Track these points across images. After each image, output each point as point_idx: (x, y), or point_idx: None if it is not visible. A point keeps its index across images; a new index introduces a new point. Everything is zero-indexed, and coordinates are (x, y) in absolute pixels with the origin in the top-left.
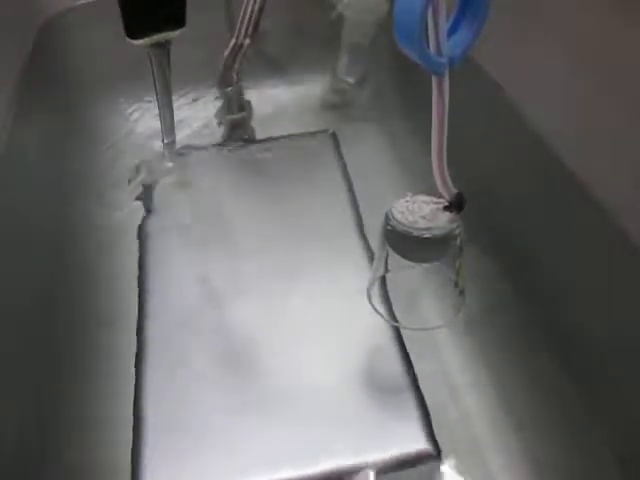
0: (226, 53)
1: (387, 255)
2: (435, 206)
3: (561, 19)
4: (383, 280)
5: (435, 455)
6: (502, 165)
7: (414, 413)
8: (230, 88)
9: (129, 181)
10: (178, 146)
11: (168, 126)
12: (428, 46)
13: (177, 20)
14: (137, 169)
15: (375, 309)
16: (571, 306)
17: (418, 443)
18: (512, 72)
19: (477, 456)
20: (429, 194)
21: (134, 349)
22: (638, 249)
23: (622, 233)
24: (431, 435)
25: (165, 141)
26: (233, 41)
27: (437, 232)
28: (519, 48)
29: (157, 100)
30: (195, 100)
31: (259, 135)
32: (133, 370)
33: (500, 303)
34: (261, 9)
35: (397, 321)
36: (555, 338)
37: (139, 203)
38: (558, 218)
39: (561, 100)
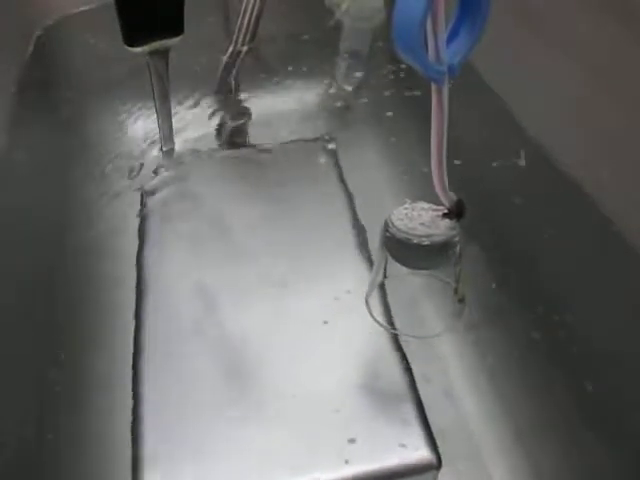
0: (224, 60)
1: (386, 262)
2: (434, 213)
3: (561, 26)
4: (382, 287)
5: (436, 463)
6: (501, 170)
7: (414, 421)
8: (228, 94)
9: (127, 184)
10: (177, 153)
11: (167, 133)
12: (427, 54)
13: (175, 27)
14: (136, 176)
15: (373, 317)
16: (572, 310)
17: (418, 451)
18: (511, 80)
19: (478, 464)
20: (429, 201)
21: (132, 355)
22: (638, 251)
23: (622, 235)
24: (432, 443)
25: (164, 148)
26: (231, 48)
27: (436, 239)
28: (519, 56)
29: (155, 107)
30: (193, 107)
31: (257, 141)
32: (131, 378)
33: (500, 309)
34: (259, 16)
35: (396, 329)
36: (556, 342)
37: (137, 209)
38: (558, 222)
39: (561, 107)
